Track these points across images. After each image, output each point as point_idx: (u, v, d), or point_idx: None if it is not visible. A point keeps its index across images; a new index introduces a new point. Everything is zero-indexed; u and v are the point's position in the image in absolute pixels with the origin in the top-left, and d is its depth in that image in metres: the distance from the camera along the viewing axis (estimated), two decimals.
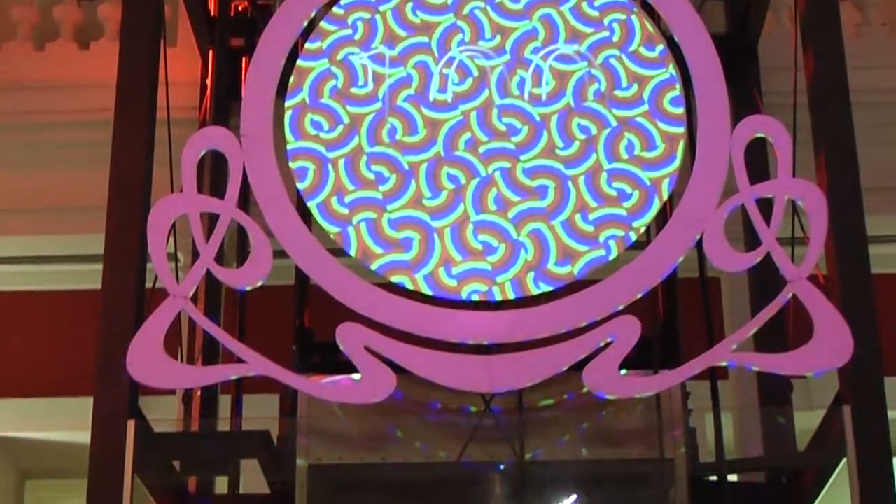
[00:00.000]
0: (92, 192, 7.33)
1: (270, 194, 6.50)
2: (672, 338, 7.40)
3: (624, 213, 6.51)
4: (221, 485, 7.82)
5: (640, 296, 6.36)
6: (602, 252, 6.44)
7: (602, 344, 6.19)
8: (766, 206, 6.42)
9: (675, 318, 7.51)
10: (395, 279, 6.41)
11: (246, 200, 6.73)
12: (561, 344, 6.25)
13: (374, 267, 6.44)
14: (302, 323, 7.70)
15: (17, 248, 9.67)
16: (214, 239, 6.42)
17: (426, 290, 6.36)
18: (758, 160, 7.09)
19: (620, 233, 6.47)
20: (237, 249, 7.62)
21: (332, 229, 6.51)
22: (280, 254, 6.42)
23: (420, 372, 6.19)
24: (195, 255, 6.43)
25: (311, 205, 6.56)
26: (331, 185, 6.59)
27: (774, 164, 6.60)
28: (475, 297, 6.35)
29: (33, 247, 9.65)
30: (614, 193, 6.56)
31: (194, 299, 6.53)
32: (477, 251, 6.46)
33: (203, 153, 6.64)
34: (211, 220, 6.56)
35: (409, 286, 6.38)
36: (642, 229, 6.50)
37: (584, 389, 6.30)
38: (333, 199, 6.57)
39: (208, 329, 6.57)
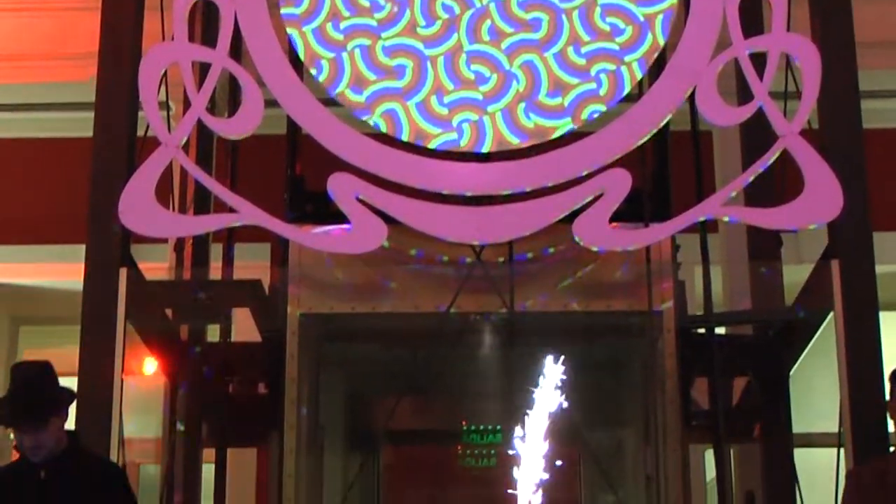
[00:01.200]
0: (84, 38, 7.27)
1: (262, 43, 6.45)
2: (662, 191, 7.41)
3: (616, 47, 6.47)
4: (213, 333, 7.88)
5: (631, 148, 6.35)
6: (593, 85, 6.40)
7: (592, 196, 6.19)
8: (759, 61, 6.38)
9: (666, 172, 7.50)
10: (386, 106, 6.37)
11: (238, 51, 6.68)
12: (551, 196, 6.26)
13: (366, 93, 6.39)
14: (293, 172, 7.69)
15: (9, 96, 9.63)
16: (206, 88, 6.39)
17: (418, 119, 6.33)
18: (752, 17, 7.02)
19: (612, 67, 6.43)
20: (229, 99, 7.58)
21: (327, 54, 6.46)
22: (271, 103, 6.39)
23: (410, 222, 6.20)
24: (186, 104, 6.40)
25: (307, 30, 6.50)
26: (326, 11, 6.53)
27: (769, 21, 6.54)
28: (466, 127, 6.32)
29: (26, 94, 9.61)
30: (607, 28, 6.50)
31: (186, 148, 6.52)
32: (469, 80, 6.43)
33: (194, 1, 6.58)
34: (202, 70, 6.52)
35: (402, 115, 6.35)
36: (634, 64, 6.45)
37: (574, 241, 6.33)
38: (328, 25, 6.51)
39: (199, 178, 6.58)
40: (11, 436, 5.60)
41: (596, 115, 6.36)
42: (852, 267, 6.50)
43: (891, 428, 6.15)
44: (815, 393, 8.31)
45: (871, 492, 5.72)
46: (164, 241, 7.71)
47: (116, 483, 5.57)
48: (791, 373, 7.53)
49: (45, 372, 5.44)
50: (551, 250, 6.97)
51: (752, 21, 6.68)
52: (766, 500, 7.03)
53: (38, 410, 5.35)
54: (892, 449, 5.98)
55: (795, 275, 7.42)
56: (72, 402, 5.62)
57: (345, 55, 6.46)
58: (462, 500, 7.95)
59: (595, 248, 6.30)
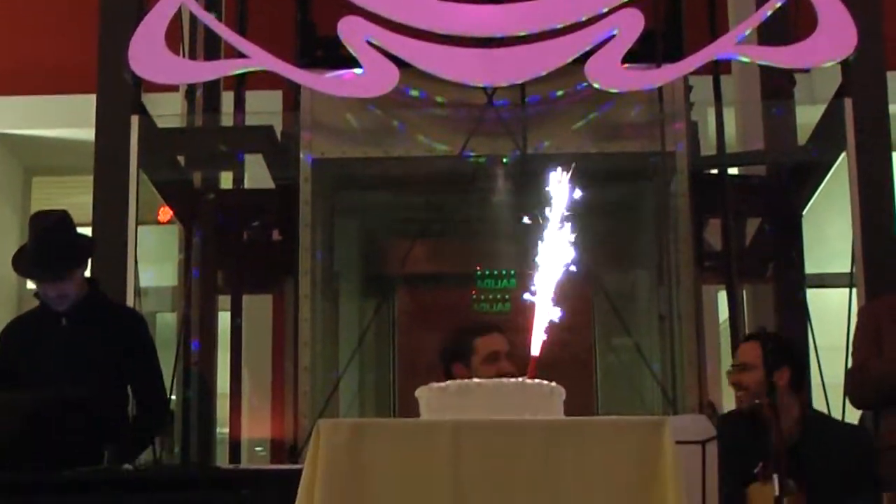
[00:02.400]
0: None
1: None
2: (675, 31, 7.32)
3: None
4: (226, 181, 7.89)
5: None
6: None
7: (604, 37, 6.14)
8: None
9: (679, 11, 7.42)
10: None
11: None
12: (562, 37, 6.21)
13: None
14: (304, 17, 7.62)
15: None
16: None
17: None
18: None
19: None
20: None
21: None
22: None
23: (420, 65, 6.17)
24: None
25: None
26: None
27: None
28: None
29: None
30: None
31: None
32: None
33: None
34: None
35: None
36: None
37: (587, 83, 6.29)
38: None
39: (210, 24, 6.53)
40: (29, 284, 5.65)
41: None
42: (865, 106, 6.47)
43: None
44: (828, 234, 8.34)
45: (884, 328, 5.74)
46: (176, 89, 7.67)
47: (137, 329, 5.63)
48: (804, 213, 7.54)
49: (64, 221, 5.46)
50: (560, 93, 6.92)
51: None
52: None
53: (60, 261, 5.38)
54: None
55: (808, 115, 7.39)
56: (93, 250, 5.66)
57: None
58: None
59: (608, 90, 6.27)
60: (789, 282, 7.48)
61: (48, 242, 5.35)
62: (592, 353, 7.70)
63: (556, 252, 3.61)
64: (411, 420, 3.28)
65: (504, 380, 3.40)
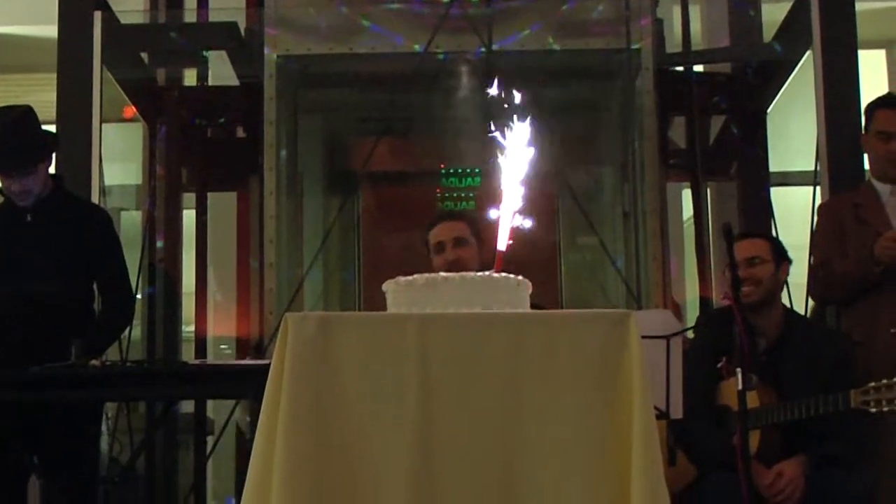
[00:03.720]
0: None
1: None
2: None
3: None
4: (190, 78, 7.84)
5: None
6: None
7: None
8: None
9: None
10: None
11: None
12: None
13: None
14: None
15: None
16: None
17: None
18: None
19: None
20: None
21: None
22: None
23: None
24: None
25: None
26: None
27: None
28: None
29: None
30: None
31: None
32: None
33: None
34: None
35: None
36: None
37: None
38: None
39: None
40: None
41: None
42: (831, 3, 6.45)
43: (865, 164, 6.20)
44: (792, 132, 8.35)
45: (846, 225, 5.77)
46: None
47: (103, 225, 5.60)
48: (768, 111, 7.56)
49: (27, 116, 5.42)
50: None
51: None
52: None
53: (23, 155, 5.35)
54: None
55: (774, 13, 7.38)
56: (57, 146, 5.62)
57: None
58: None
59: None
60: (753, 180, 7.52)
61: (11, 137, 5.31)
62: (557, 251, 7.73)
63: (519, 151, 3.61)
64: (379, 313, 3.30)
65: (471, 274, 3.42)
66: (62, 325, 5.11)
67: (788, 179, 8.15)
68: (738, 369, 4.54)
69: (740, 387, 4.52)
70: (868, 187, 5.87)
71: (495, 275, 3.39)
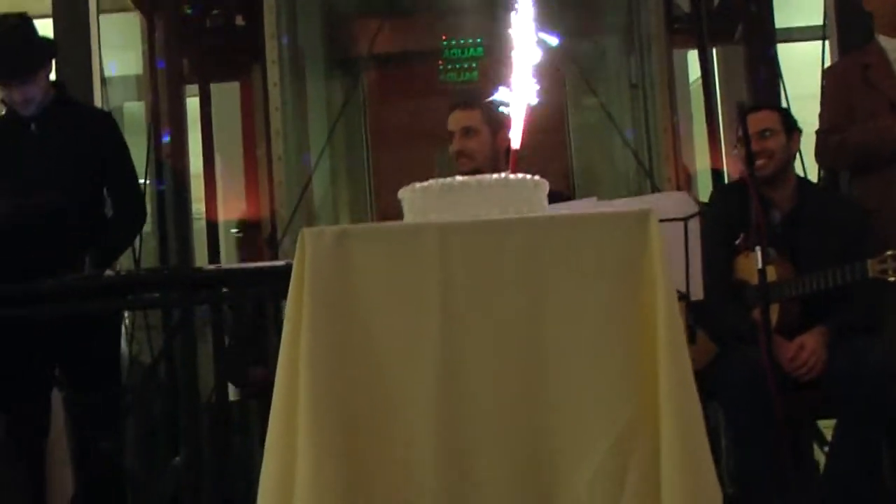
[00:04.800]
0: None
1: None
2: None
3: None
4: None
5: None
6: None
7: None
8: None
9: None
10: None
11: None
12: None
13: None
14: None
15: None
16: None
17: None
18: None
19: None
20: None
21: None
22: None
23: None
24: None
25: None
26: None
27: None
28: None
29: None
30: None
31: None
32: None
33: None
34: None
35: None
36: None
37: None
38: None
39: None
40: None
41: None
42: None
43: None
44: None
45: (854, 88, 5.70)
46: None
47: (108, 130, 5.58)
48: None
49: (24, 24, 5.36)
50: None
51: None
52: (751, 98, 7.04)
53: (23, 63, 5.30)
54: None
55: None
56: (55, 52, 5.56)
57: None
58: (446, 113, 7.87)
59: None
60: (759, 39, 7.40)
61: (8, 45, 5.25)
62: (565, 126, 7.65)
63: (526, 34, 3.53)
64: (396, 223, 3.27)
65: (486, 176, 3.38)
66: (74, 235, 5.11)
67: (795, 35, 8.04)
68: (758, 247, 4.54)
69: (760, 265, 4.52)
70: (875, 46, 5.77)
71: (511, 176, 3.36)
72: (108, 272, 4.81)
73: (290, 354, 3.17)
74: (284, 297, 3.23)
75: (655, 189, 6.73)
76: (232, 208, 8.14)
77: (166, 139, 7.24)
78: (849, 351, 4.97)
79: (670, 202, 4.48)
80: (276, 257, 6.50)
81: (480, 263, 3.16)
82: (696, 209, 4.44)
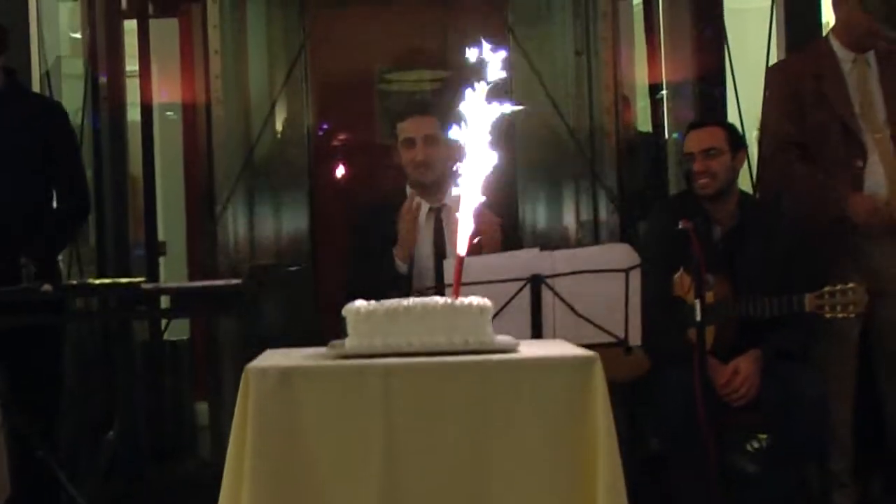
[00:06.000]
0: None
1: None
2: None
3: None
4: None
5: None
6: None
7: None
8: None
9: None
10: None
11: None
12: None
13: None
14: None
15: None
16: None
17: None
18: None
19: None
20: None
21: None
22: None
23: None
24: None
25: None
26: None
27: None
28: None
29: None
30: None
31: None
32: None
33: None
34: None
35: None
36: None
37: None
38: None
39: None
40: None
41: None
42: None
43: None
44: None
45: (803, 94, 5.59)
46: None
47: (59, 119, 5.51)
48: None
49: None
50: None
51: None
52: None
53: None
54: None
55: None
56: (6, 40, 5.42)
57: None
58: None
59: None
60: None
61: None
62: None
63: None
64: (340, 363, 3.26)
65: (431, 300, 3.38)
66: (12, 238, 5.07)
67: None
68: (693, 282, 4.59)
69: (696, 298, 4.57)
70: (827, 49, 5.65)
71: (456, 302, 3.36)
72: (46, 286, 4.75)
73: (231, 487, 3.20)
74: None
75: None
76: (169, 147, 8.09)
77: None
78: (782, 378, 5.06)
79: (613, 254, 4.52)
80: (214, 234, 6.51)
81: (424, 406, 3.19)
82: (637, 261, 4.48)
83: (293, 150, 7.22)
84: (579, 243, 6.81)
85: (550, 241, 6.85)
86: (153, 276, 6.99)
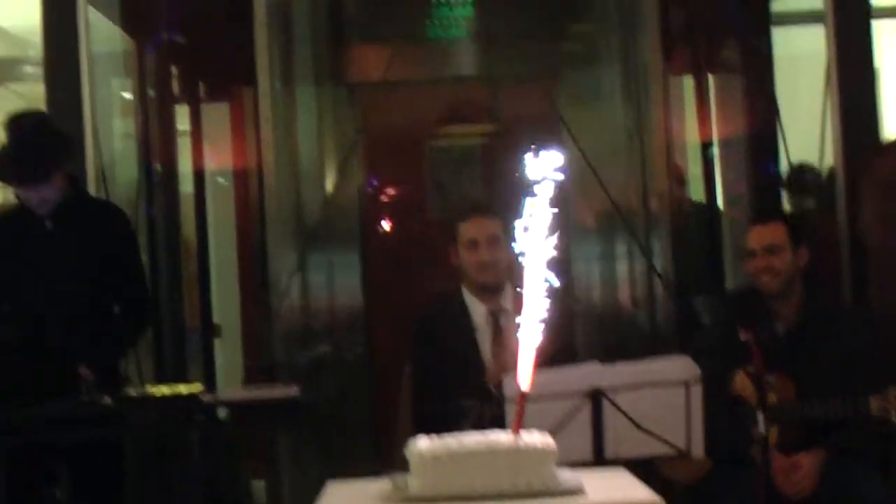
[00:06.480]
0: None
1: None
2: None
3: None
4: None
5: None
6: None
7: None
8: None
9: None
10: None
11: None
12: None
13: None
14: None
15: None
16: None
17: None
18: None
19: None
20: None
21: None
22: None
23: None
24: None
25: None
26: None
27: None
28: None
29: None
30: None
31: None
32: None
33: None
34: None
35: None
36: None
37: None
38: None
39: None
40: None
41: None
42: None
43: None
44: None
45: None
46: None
47: (122, 227, 5.56)
48: None
49: (42, 123, 5.30)
50: None
51: None
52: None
53: (41, 166, 5.22)
54: None
55: None
56: (73, 150, 5.49)
57: None
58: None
59: None
60: (757, 67, 7.27)
61: (25, 148, 5.18)
62: None
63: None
64: None
65: (497, 442, 3.37)
66: (73, 347, 5.11)
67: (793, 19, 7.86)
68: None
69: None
70: None
71: (521, 445, 3.36)
72: (106, 399, 4.79)
73: None
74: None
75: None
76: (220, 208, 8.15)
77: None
78: (843, 479, 5.01)
79: (674, 367, 4.49)
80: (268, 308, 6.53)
81: None
82: (697, 373, 4.45)
83: (344, 215, 7.28)
84: (634, 323, 6.81)
85: (605, 320, 6.86)
86: (209, 362, 7.04)
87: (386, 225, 7.42)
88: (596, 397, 4.37)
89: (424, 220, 7.39)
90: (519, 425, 3.44)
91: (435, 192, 7.61)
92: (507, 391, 4.32)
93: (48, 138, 5.27)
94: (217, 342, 7.55)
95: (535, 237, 3.44)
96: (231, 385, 7.40)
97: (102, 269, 5.35)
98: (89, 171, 6.64)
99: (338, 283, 7.48)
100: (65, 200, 5.33)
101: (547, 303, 3.43)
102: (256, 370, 6.85)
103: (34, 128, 5.23)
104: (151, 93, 7.22)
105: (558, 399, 4.33)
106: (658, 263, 6.71)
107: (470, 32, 7.78)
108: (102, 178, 6.69)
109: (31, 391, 4.85)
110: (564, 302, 5.64)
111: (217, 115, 7.65)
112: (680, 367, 4.48)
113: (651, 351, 6.39)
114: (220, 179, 8.40)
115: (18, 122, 5.24)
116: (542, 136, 7.09)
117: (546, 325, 3.43)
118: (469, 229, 5.37)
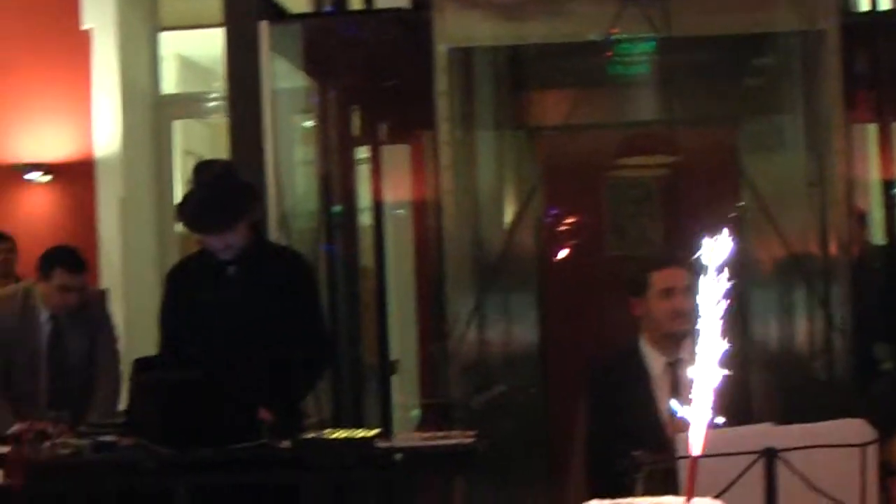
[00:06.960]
0: None
1: None
2: None
3: None
4: None
5: None
6: None
7: None
8: None
9: None
10: None
11: None
12: None
13: None
14: None
15: None
16: None
17: None
18: None
19: None
20: None
21: None
22: None
23: None
24: None
25: None
26: None
27: None
28: None
29: None
30: None
31: None
32: None
33: None
34: None
35: None
36: None
37: None
38: None
39: None
40: None
41: None
42: None
43: None
44: None
45: None
46: None
47: (302, 272, 5.68)
48: None
49: (228, 173, 5.44)
50: None
51: None
52: None
53: (226, 214, 5.37)
54: None
55: None
56: (257, 198, 5.62)
57: None
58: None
59: None
60: None
61: (212, 197, 5.33)
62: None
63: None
64: None
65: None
66: (254, 391, 5.22)
67: None
68: None
69: None
70: None
71: None
72: (285, 443, 4.91)
73: None
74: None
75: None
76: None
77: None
78: None
79: (849, 429, 4.43)
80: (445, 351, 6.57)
81: None
82: (873, 437, 4.40)
83: (523, 252, 7.33)
84: (810, 370, 6.74)
85: (781, 369, 6.80)
86: (386, 400, 7.13)
87: (563, 258, 7.42)
88: (769, 457, 4.34)
89: (603, 258, 7.39)
90: (691, 492, 3.44)
91: (614, 230, 7.62)
92: (680, 450, 4.31)
93: (234, 187, 5.41)
94: (394, 380, 7.66)
95: (715, 287, 3.44)
96: (407, 423, 7.50)
97: (283, 314, 5.47)
98: (271, 211, 6.81)
99: (514, 319, 7.52)
100: (247, 246, 5.46)
101: (726, 351, 3.43)
102: (433, 411, 6.94)
103: (220, 177, 5.38)
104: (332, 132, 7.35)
105: (731, 457, 4.31)
106: (836, 310, 6.62)
107: (651, 68, 7.75)
108: (283, 219, 6.85)
109: (212, 433, 4.99)
110: (742, 352, 5.62)
111: (398, 155, 7.74)
112: (855, 428, 4.43)
113: (828, 400, 6.32)
114: (399, 211, 8.53)
115: (206, 171, 5.40)
116: (719, 177, 7.12)
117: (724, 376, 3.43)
118: (664, 278, 5.37)
